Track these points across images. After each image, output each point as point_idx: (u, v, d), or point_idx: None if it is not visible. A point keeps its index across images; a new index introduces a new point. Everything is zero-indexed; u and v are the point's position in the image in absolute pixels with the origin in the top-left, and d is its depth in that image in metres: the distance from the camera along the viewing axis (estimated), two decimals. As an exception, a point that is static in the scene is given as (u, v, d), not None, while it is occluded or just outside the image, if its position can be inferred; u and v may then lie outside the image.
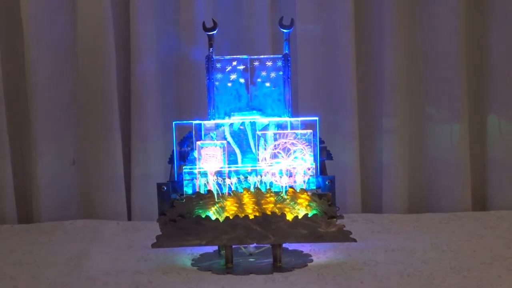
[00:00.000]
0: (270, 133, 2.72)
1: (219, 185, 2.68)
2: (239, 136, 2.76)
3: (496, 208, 3.51)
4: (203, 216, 2.63)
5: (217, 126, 2.76)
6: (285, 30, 2.83)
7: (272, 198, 2.66)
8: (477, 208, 3.55)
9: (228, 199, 2.66)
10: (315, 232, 2.64)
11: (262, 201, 2.65)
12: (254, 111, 2.80)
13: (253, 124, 2.75)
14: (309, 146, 2.72)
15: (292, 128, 2.75)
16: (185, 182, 2.70)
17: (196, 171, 2.70)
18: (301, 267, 2.69)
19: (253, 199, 2.66)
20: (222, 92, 2.81)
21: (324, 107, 3.51)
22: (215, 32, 2.82)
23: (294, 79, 3.20)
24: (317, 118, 2.76)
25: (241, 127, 2.76)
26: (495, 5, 3.50)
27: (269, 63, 2.81)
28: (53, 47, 3.51)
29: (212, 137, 2.75)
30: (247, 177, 2.70)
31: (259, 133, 2.73)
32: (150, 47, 3.49)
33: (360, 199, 3.54)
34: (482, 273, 2.56)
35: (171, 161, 2.80)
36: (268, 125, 2.76)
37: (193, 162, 2.74)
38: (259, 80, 2.82)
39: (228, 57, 2.83)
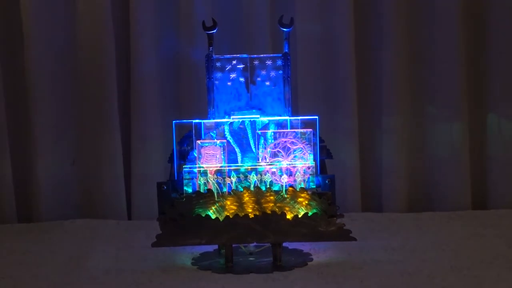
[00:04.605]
0: (270, 132, 2.72)
1: (219, 184, 2.68)
2: (239, 135, 2.76)
3: (496, 207, 3.51)
4: (203, 215, 2.63)
5: (217, 125, 2.76)
6: (284, 29, 2.83)
7: (272, 197, 2.66)
8: (477, 207, 3.55)
9: (228, 198, 2.66)
10: (315, 231, 2.63)
11: (262, 200, 2.65)
12: (254, 110, 2.80)
13: (253, 123, 2.75)
14: (309, 145, 2.72)
15: (292, 127, 2.75)
16: (185, 181, 2.70)
17: (196, 170, 2.70)
18: (301, 266, 2.69)
19: (253, 198, 2.66)
20: (222, 91, 2.81)
21: (324, 106, 3.50)
22: (214, 31, 2.82)
23: (294, 78, 3.20)
24: (317, 117, 2.76)
25: (241, 126, 2.76)
26: (494, 4, 3.50)
27: (269, 62, 2.81)
28: (53, 47, 3.51)
29: (212, 136, 2.75)
30: (247, 176, 2.70)
31: (259, 132, 2.73)
32: (150, 46, 3.49)
33: (360, 198, 3.54)
34: (482, 272, 2.56)
35: (171, 160, 2.80)
36: (268, 124, 2.76)
37: (193, 161, 2.74)
38: (259, 79, 2.82)
39: (228, 56, 2.83)
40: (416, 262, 2.70)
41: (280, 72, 2.81)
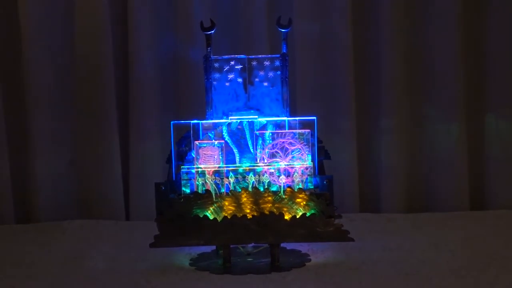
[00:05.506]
0: (268, 132, 2.72)
1: (217, 184, 2.68)
2: (237, 135, 2.76)
3: (494, 207, 3.51)
4: (201, 216, 2.63)
5: (215, 126, 2.76)
6: (283, 30, 2.83)
7: (270, 198, 2.66)
8: (475, 208, 3.55)
9: (226, 198, 2.66)
10: (313, 232, 2.63)
11: (260, 201, 2.65)
12: (252, 111, 2.80)
13: (251, 123, 2.75)
14: (307, 146, 2.72)
15: (290, 127, 2.75)
16: (183, 182, 2.70)
17: (194, 170, 2.69)
18: (299, 266, 2.69)
19: (251, 199, 2.65)
20: (220, 91, 2.81)
21: (322, 107, 3.51)
22: (213, 31, 2.82)
23: (292, 79, 3.20)
24: (315, 118, 2.76)
25: (239, 127, 2.76)
26: (493, 5, 3.50)
27: (267, 63, 2.81)
28: (52, 47, 3.51)
29: (210, 136, 2.75)
30: (245, 177, 2.69)
31: (257, 132, 2.73)
32: (148, 47, 3.49)
33: (358, 198, 3.54)
34: (480, 272, 2.56)
35: (169, 160, 2.80)
36: (266, 124, 2.76)
37: (191, 161, 2.74)
38: (257, 79, 2.82)
39: (226, 56, 2.82)
40: (414, 262, 2.70)
41: (278, 72, 2.81)
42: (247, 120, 2.76)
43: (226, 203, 2.66)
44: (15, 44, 3.48)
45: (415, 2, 3.53)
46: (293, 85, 3.29)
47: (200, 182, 2.69)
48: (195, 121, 2.76)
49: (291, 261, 2.74)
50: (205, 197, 2.66)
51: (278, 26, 2.84)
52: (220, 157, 2.71)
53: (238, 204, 2.65)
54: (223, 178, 2.69)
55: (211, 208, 2.66)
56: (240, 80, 2.81)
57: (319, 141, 2.79)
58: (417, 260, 2.73)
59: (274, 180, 2.69)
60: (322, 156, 2.80)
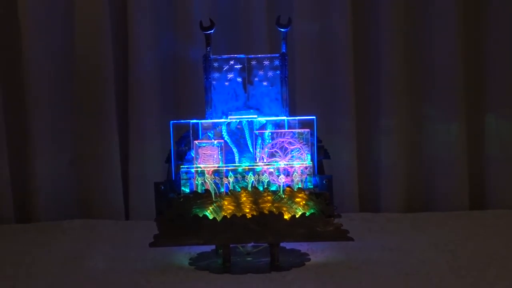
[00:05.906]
0: (267, 132, 2.72)
1: (216, 184, 2.68)
2: (237, 135, 2.76)
3: (494, 207, 3.51)
4: (201, 216, 2.63)
5: (215, 125, 2.76)
6: (282, 29, 2.83)
7: (269, 197, 2.66)
8: (475, 208, 3.55)
9: (226, 198, 2.66)
10: (313, 231, 2.63)
11: (260, 200, 2.65)
12: (252, 110, 2.80)
13: (250, 123, 2.75)
14: (306, 145, 2.72)
15: (290, 127, 2.75)
16: (182, 182, 2.70)
17: (193, 170, 2.69)
18: (298, 266, 2.69)
19: (251, 198, 2.65)
20: (219, 91, 2.81)
21: (321, 106, 3.50)
22: (212, 31, 2.82)
23: (292, 78, 3.20)
24: (314, 117, 2.75)
25: (239, 126, 2.76)
26: (493, 5, 3.50)
27: (266, 62, 2.81)
28: (51, 47, 3.51)
29: (209, 136, 2.75)
30: (244, 176, 2.69)
31: (256, 132, 2.73)
32: (148, 47, 3.49)
33: (358, 198, 3.54)
34: (480, 272, 2.56)
35: (168, 160, 2.80)
36: (265, 124, 2.76)
37: (190, 161, 2.74)
38: (256, 79, 2.81)
39: (226, 56, 2.82)
40: (413, 262, 2.70)
41: (278, 72, 2.81)
42: (247, 119, 2.76)
43: (226, 203, 2.66)
44: (15, 44, 3.48)
45: (415, 2, 3.53)
46: (292, 85, 3.29)
47: (200, 182, 2.69)
48: (195, 121, 2.76)
49: (291, 261, 2.74)
50: (204, 197, 2.66)
51: (278, 25, 2.84)
52: (220, 157, 2.71)
53: (238, 204, 2.65)
54: (222, 178, 2.69)
55: (210, 208, 2.66)
56: (239, 79, 2.81)
57: (319, 141, 2.79)
58: (417, 260, 2.72)
59: (274, 180, 2.69)
60: (321, 155, 2.79)
